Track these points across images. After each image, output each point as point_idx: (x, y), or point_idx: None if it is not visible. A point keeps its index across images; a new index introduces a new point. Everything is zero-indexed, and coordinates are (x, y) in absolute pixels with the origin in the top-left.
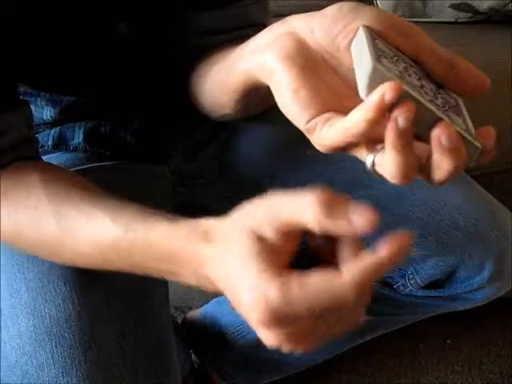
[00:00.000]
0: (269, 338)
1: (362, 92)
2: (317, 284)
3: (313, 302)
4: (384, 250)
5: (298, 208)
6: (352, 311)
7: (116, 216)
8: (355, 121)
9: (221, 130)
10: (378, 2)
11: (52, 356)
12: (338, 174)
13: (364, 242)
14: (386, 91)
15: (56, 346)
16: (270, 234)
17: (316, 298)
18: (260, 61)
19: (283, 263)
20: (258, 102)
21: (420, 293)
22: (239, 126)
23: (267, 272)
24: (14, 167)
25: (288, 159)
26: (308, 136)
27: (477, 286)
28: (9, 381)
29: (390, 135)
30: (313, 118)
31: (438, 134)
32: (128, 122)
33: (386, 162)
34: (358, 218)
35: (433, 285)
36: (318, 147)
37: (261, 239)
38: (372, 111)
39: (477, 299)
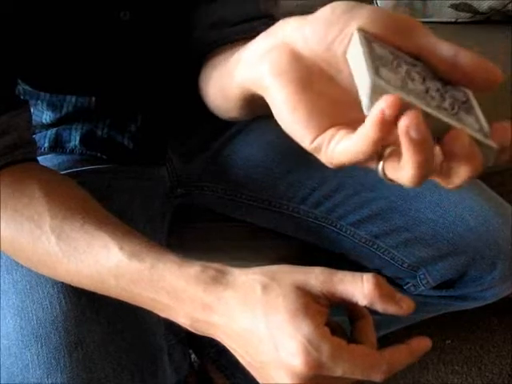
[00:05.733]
0: None
1: (365, 109)
2: (363, 353)
3: (352, 366)
4: (415, 343)
5: (356, 282)
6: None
7: (123, 242)
8: (362, 143)
9: (220, 131)
10: (377, 2)
11: (37, 357)
12: (347, 177)
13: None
14: (384, 109)
15: (42, 347)
16: (319, 295)
17: (356, 363)
18: (255, 76)
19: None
20: (264, 105)
21: (431, 293)
22: (240, 128)
23: (321, 329)
24: (13, 172)
25: (294, 162)
26: (315, 155)
27: (488, 286)
28: None
29: (408, 150)
30: (316, 137)
31: (450, 143)
32: (125, 124)
33: (401, 172)
34: (403, 303)
35: (444, 284)
36: (327, 164)
37: (311, 297)
38: (376, 131)
39: (487, 298)
